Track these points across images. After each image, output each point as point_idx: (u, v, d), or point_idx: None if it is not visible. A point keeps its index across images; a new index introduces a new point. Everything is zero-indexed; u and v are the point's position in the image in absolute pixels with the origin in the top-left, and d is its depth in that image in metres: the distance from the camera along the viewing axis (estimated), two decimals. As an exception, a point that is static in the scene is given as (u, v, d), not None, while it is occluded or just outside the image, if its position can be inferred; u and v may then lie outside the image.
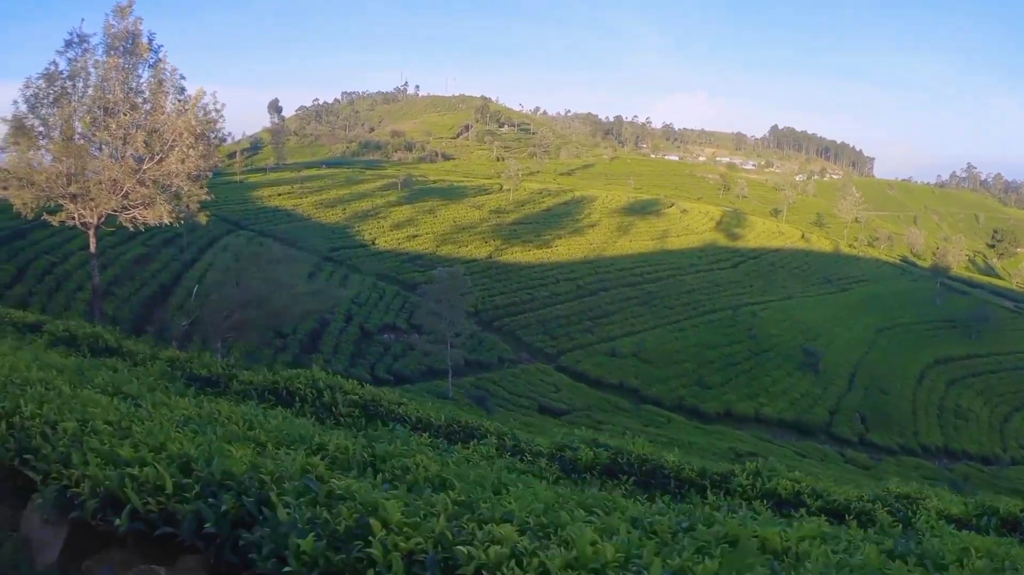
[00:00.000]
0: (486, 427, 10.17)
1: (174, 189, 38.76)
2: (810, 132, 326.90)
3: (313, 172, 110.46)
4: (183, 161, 37.55)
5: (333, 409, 10.28)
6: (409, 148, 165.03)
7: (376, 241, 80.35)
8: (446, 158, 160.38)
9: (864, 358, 79.06)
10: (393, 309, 63.36)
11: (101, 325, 20.46)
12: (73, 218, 36.93)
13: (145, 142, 36.88)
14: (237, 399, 10.00)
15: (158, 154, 37.30)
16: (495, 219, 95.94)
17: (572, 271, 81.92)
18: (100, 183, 36.05)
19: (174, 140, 37.93)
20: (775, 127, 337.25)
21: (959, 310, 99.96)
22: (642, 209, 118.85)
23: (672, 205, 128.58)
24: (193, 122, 39.10)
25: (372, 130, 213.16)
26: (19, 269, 48.82)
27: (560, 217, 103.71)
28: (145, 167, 36.90)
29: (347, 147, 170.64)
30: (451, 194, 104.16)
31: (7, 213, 54.60)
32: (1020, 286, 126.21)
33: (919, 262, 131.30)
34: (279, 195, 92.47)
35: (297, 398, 10.54)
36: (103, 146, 37.13)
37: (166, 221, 38.32)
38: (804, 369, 72.57)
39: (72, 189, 36.05)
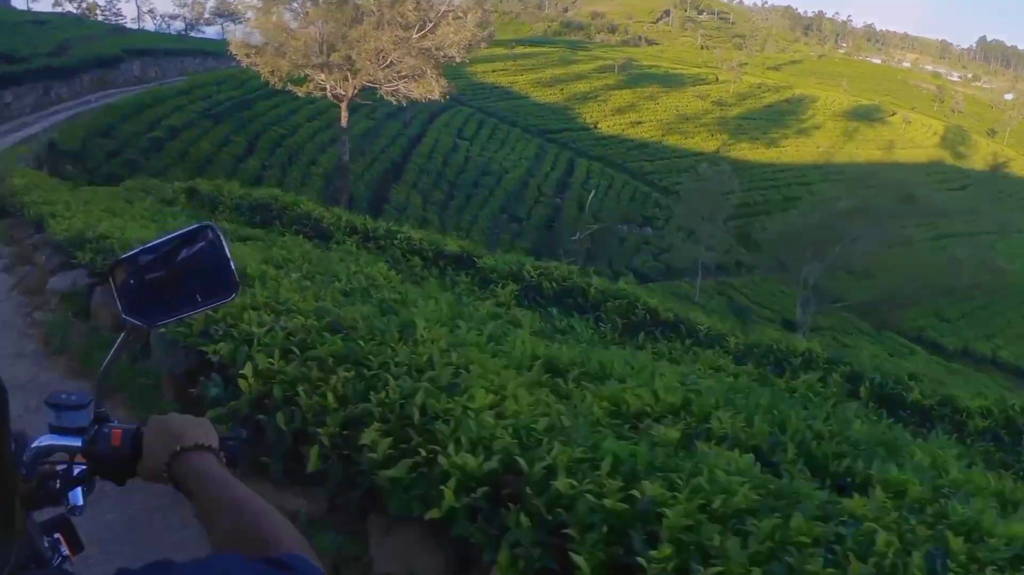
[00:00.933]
0: None
1: (444, 60, 36.35)
2: (1020, 48, 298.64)
3: (525, 50, 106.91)
4: (459, 31, 34.88)
5: None
6: (612, 31, 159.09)
7: (598, 125, 76.98)
8: (649, 43, 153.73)
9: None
10: (624, 199, 60.47)
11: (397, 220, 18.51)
12: (323, 89, 34.97)
13: (415, 8, 34.36)
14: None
15: (430, 21, 34.69)
16: (718, 111, 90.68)
17: (803, 175, 76.70)
18: (363, 53, 33.74)
19: (447, 6, 35.34)
20: (983, 38, 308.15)
21: None
22: (865, 115, 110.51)
23: (894, 114, 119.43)
24: (470, -17, 36.52)
25: (566, 11, 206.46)
26: (249, 141, 47.28)
27: (783, 115, 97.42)
28: (415, 36, 34.38)
29: (548, 27, 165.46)
30: (669, 81, 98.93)
31: (228, 83, 54.05)
32: None
33: None
34: (493, 71, 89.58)
35: None
36: (364, 14, 34.72)
37: (436, 96, 36.07)
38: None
39: (333, 58, 33.96)
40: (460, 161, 56.74)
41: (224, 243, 1.38)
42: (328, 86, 34.81)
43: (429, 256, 11.76)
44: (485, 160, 58.22)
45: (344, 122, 37.36)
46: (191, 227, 1.39)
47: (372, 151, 52.62)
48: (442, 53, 35.18)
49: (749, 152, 79.63)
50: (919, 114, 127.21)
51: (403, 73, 34.94)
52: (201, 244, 1.38)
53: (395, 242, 12.29)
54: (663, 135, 77.79)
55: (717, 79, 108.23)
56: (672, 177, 65.13)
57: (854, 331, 52.22)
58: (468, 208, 50.74)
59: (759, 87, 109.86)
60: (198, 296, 1.40)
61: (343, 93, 35.11)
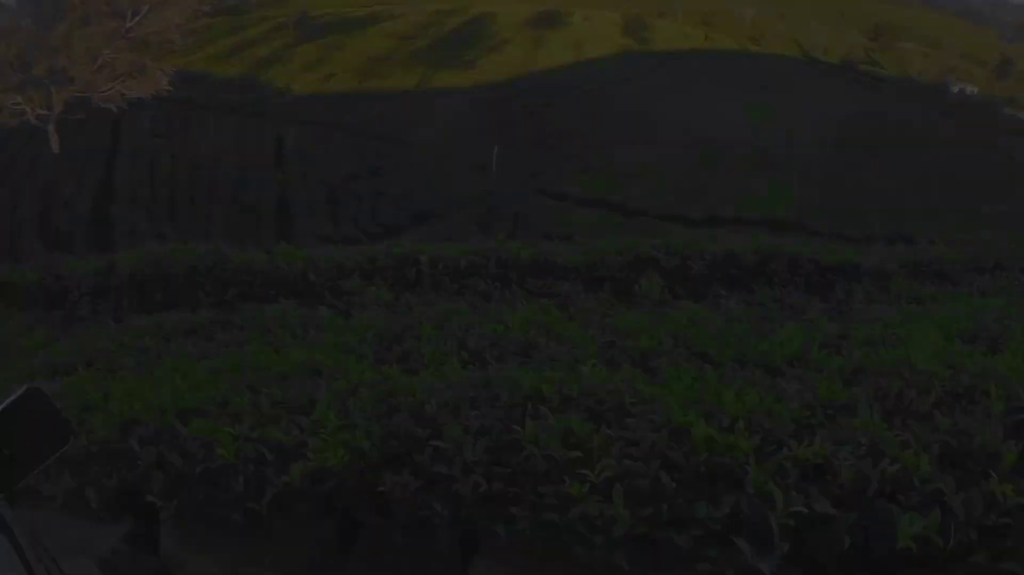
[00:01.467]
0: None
1: (164, 48, 31.70)
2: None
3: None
4: (180, 8, 30.40)
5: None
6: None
7: (291, 87, 71.87)
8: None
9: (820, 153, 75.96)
10: (345, 155, 56.49)
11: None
12: (22, 114, 29.17)
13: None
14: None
15: (145, 5, 29.63)
16: (407, 47, 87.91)
17: (518, 91, 75.85)
18: (76, 57, 28.21)
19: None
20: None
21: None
22: (547, 22, 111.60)
23: (572, 14, 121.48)
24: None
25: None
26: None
27: (471, 37, 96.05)
28: (131, 24, 29.24)
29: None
30: (347, 28, 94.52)
31: None
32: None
33: (824, 57, 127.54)
34: (163, 55, 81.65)
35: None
36: (64, 9, 29.14)
37: (164, 89, 31.43)
38: (763, 168, 69.60)
39: (37, 71, 28.16)
40: (168, 162, 50.12)
41: (49, 399, 1.51)
42: (28, 109, 28.70)
43: (490, 270, 8.36)
44: (191, 154, 51.93)
45: (55, 146, 31.25)
46: (15, 396, 1.47)
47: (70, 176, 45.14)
48: (162, 38, 30.43)
49: (451, 79, 77.65)
50: (591, 9, 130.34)
51: (119, 71, 29.86)
52: (29, 407, 1.47)
53: (420, 266, 8.57)
54: (360, 82, 74.16)
55: (392, 15, 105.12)
56: (386, 123, 62.22)
57: (614, 228, 51.78)
58: (198, 211, 45.18)
59: (436, 14, 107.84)
60: (39, 451, 1.50)
61: (46, 113, 29.15)
